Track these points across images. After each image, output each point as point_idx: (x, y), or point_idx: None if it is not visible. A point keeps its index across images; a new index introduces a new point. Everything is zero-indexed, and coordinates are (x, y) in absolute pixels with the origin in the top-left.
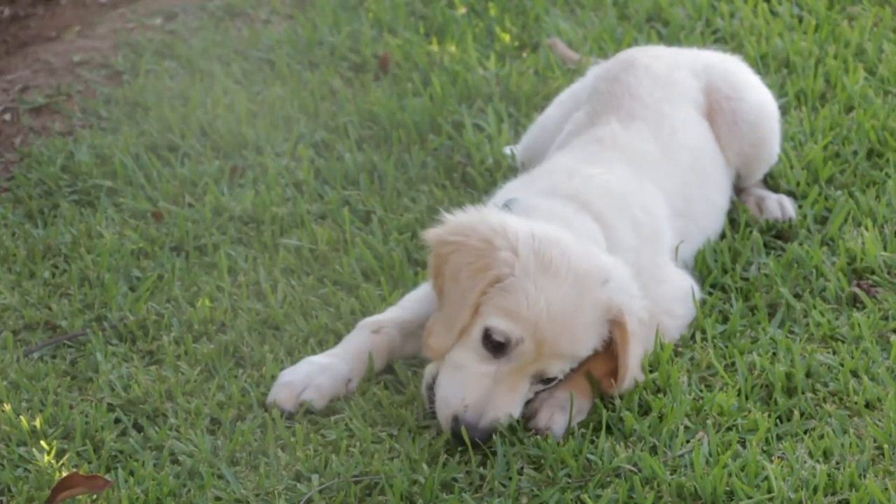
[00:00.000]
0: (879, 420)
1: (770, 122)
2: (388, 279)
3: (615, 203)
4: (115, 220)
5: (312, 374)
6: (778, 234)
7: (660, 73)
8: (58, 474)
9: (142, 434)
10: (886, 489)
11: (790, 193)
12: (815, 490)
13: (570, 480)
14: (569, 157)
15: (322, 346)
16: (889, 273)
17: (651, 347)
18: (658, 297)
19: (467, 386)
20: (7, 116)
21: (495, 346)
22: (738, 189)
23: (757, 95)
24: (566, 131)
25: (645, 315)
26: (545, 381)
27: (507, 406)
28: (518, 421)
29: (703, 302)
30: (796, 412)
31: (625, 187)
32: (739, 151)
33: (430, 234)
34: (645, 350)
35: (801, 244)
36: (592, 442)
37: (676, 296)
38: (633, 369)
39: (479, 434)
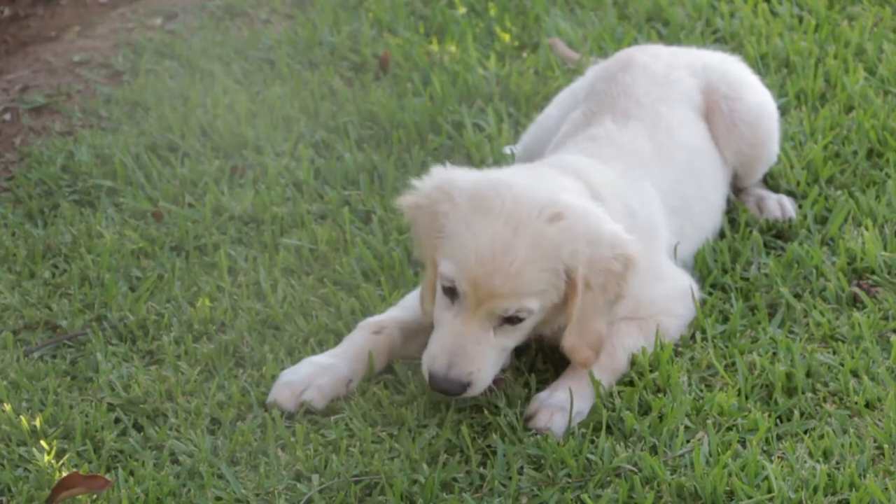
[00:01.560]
0: (879, 420)
1: (769, 122)
2: (388, 279)
3: (609, 186)
4: (115, 220)
5: (313, 375)
6: (778, 234)
7: (657, 73)
8: (58, 474)
9: (142, 434)
10: (886, 489)
11: (790, 193)
12: (815, 490)
13: (570, 480)
14: (563, 154)
15: (322, 346)
16: (889, 273)
17: (651, 345)
18: (656, 295)
19: (436, 339)
20: (7, 116)
21: (450, 293)
22: (738, 189)
23: (756, 96)
24: (562, 132)
25: (618, 266)
26: (511, 321)
27: (478, 357)
28: (518, 421)
29: (703, 302)
30: (796, 412)
31: (620, 178)
32: (738, 151)
33: (401, 203)
34: (610, 300)
35: (801, 244)
36: (592, 442)
37: (675, 294)
38: (580, 320)
39: (447, 385)
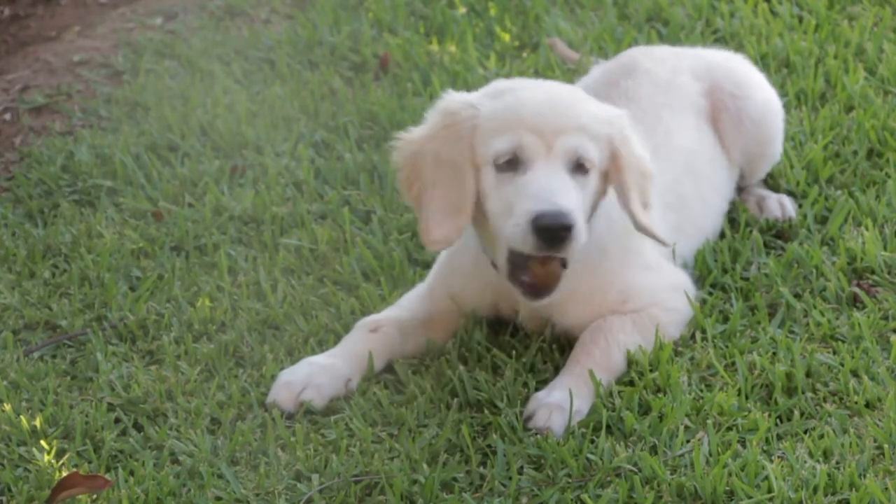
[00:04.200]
0: (879, 420)
1: (775, 120)
2: (388, 279)
3: None
4: (115, 220)
5: (312, 374)
6: (778, 233)
7: (661, 78)
8: (58, 474)
9: (142, 434)
10: (886, 489)
11: (790, 193)
12: (815, 490)
13: (570, 480)
14: None
15: (322, 346)
16: (889, 273)
17: (648, 341)
18: (645, 285)
19: (524, 188)
20: (7, 116)
21: (510, 166)
22: (739, 188)
23: (762, 93)
24: None
25: (646, 171)
26: (580, 170)
27: (571, 196)
28: (518, 420)
29: (703, 302)
30: (796, 412)
31: None
32: (744, 150)
33: (398, 153)
34: (642, 199)
35: (801, 244)
36: (592, 442)
37: (665, 286)
38: (635, 199)
39: (558, 219)
